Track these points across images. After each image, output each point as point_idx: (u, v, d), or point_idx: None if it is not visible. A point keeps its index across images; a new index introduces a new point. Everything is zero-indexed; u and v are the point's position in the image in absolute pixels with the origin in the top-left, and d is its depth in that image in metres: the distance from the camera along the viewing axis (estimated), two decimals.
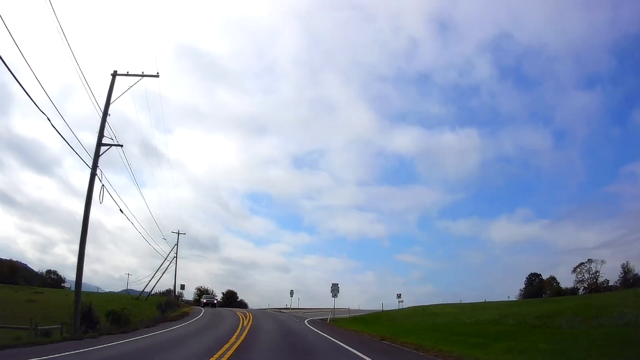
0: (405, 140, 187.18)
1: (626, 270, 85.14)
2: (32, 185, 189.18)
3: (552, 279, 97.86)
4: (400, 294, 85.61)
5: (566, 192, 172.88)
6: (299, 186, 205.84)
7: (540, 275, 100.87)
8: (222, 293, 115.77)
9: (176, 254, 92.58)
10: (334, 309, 54.54)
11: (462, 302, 72.61)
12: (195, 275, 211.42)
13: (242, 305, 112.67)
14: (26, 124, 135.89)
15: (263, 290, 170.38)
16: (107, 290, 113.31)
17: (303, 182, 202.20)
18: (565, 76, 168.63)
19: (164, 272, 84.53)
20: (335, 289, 52.90)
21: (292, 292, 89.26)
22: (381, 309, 77.84)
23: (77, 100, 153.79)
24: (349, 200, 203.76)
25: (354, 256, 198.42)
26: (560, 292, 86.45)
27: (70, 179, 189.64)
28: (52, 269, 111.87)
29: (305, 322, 45.13)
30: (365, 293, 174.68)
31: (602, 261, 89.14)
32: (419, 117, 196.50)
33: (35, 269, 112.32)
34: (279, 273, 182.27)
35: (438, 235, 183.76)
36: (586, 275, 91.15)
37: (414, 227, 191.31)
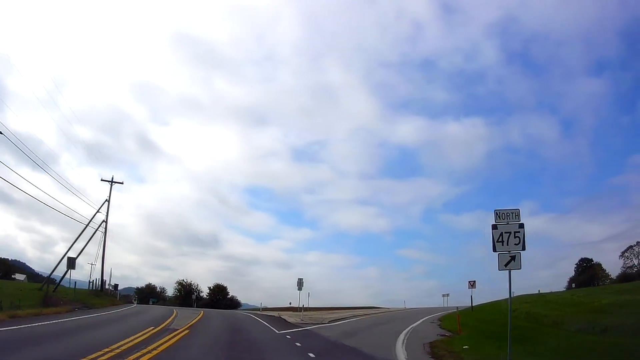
0: (409, 130, 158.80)
1: None
2: (29, 182, 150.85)
3: (598, 265, 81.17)
4: (474, 282, 48.32)
5: (573, 184, 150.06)
6: (300, 180, 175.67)
7: (591, 260, 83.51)
8: (209, 288, 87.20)
9: (106, 215, 53.89)
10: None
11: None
12: (196, 272, 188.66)
13: (234, 304, 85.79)
14: (20, 119, 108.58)
15: (266, 287, 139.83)
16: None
17: (304, 175, 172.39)
18: (574, 62, 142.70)
19: (86, 244, 51.64)
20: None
21: (300, 283, 49.49)
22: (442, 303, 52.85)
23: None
24: (350, 194, 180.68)
25: (356, 252, 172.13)
26: (628, 277, 67.90)
27: (67, 175, 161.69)
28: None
29: None
30: (368, 289, 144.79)
31: None
32: (423, 105, 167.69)
33: (36, 269, 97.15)
34: (280, 270, 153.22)
35: (442, 229, 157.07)
36: (635, 261, 76.19)
37: (417, 221, 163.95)
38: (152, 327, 19.43)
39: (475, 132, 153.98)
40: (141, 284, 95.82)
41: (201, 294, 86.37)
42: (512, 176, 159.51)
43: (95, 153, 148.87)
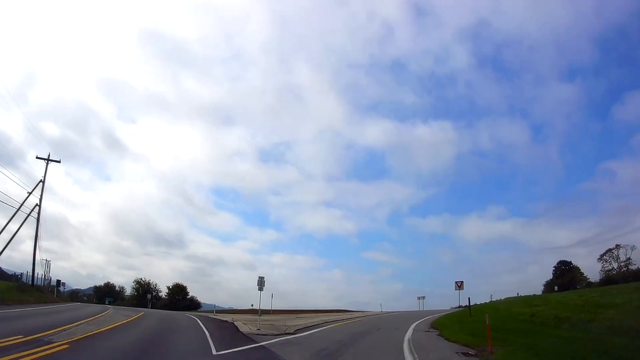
0: (376, 132, 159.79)
1: None
2: None
3: (576, 268, 77.92)
4: (461, 282, 42.81)
5: (542, 189, 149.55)
6: (266, 180, 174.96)
7: (570, 263, 79.46)
8: (168, 288, 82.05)
9: (40, 197, 46.40)
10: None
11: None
12: (161, 272, 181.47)
13: (194, 305, 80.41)
14: None
15: (231, 288, 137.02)
16: (75, 287, 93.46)
17: (270, 176, 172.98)
18: (546, 67, 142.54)
19: (17, 231, 45.99)
20: None
21: (261, 282, 42.24)
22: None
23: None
24: (316, 195, 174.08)
25: (321, 254, 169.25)
26: (611, 280, 63.76)
27: (35, 172, 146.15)
28: None
29: None
30: (333, 291, 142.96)
31: (632, 247, 69.55)
32: (391, 108, 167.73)
33: (4, 267, 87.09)
34: (246, 271, 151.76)
35: (408, 232, 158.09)
36: (615, 264, 72.33)
37: (383, 224, 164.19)
38: (21, 336, 12.20)
39: (444, 135, 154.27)
40: (107, 283, 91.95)
41: (160, 294, 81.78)
42: (480, 180, 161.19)
43: (62, 150, 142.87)
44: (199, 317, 33.65)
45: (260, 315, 21.83)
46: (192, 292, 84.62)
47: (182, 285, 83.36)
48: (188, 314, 43.74)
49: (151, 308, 59.54)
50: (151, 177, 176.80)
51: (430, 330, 22.71)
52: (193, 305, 79.40)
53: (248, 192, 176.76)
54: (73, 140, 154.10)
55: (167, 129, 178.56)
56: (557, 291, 59.36)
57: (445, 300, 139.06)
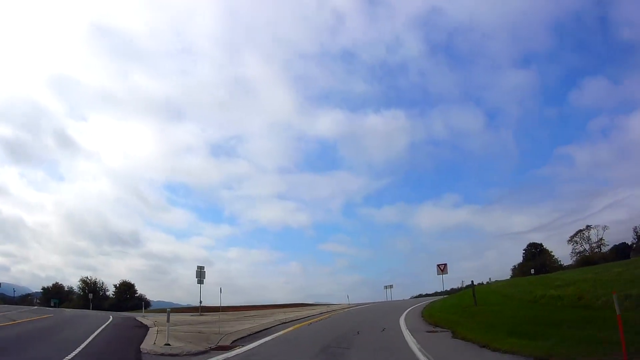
0: (328, 122, 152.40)
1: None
2: None
3: (546, 251, 76.10)
4: (444, 265, 37.50)
5: (497, 176, 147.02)
6: (218, 175, 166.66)
7: (541, 245, 76.96)
8: (115, 286, 77.07)
9: None
10: None
11: None
12: (118, 272, 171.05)
13: (144, 303, 70.26)
14: None
15: (187, 285, 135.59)
16: (35, 291, 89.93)
17: (221, 170, 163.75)
18: (500, 53, 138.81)
19: None
20: None
21: (200, 274, 34.46)
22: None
23: None
24: (269, 188, 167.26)
25: (277, 247, 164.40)
26: (589, 261, 60.60)
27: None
28: None
29: None
30: (290, 284, 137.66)
31: (604, 227, 68.39)
32: (343, 98, 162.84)
33: None
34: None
35: (363, 223, 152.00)
36: (586, 246, 70.84)
37: (338, 215, 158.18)
38: None
39: (396, 124, 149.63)
40: (66, 284, 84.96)
41: (107, 293, 77.60)
42: (434, 169, 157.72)
43: (15, 151, 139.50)
44: (117, 319, 25.32)
45: (169, 321, 13.46)
46: (142, 290, 79.91)
47: (129, 283, 77.17)
48: (114, 314, 35.15)
49: (93, 309, 53.23)
50: (104, 175, 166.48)
51: (436, 329, 15.37)
52: (138, 307, 72.50)
53: (200, 187, 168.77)
54: (25, 141, 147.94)
55: (118, 125, 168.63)
56: (534, 274, 54.95)
57: (406, 290, 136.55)
